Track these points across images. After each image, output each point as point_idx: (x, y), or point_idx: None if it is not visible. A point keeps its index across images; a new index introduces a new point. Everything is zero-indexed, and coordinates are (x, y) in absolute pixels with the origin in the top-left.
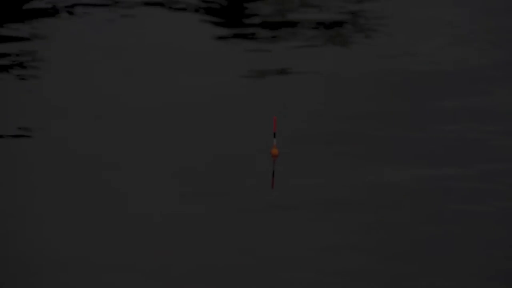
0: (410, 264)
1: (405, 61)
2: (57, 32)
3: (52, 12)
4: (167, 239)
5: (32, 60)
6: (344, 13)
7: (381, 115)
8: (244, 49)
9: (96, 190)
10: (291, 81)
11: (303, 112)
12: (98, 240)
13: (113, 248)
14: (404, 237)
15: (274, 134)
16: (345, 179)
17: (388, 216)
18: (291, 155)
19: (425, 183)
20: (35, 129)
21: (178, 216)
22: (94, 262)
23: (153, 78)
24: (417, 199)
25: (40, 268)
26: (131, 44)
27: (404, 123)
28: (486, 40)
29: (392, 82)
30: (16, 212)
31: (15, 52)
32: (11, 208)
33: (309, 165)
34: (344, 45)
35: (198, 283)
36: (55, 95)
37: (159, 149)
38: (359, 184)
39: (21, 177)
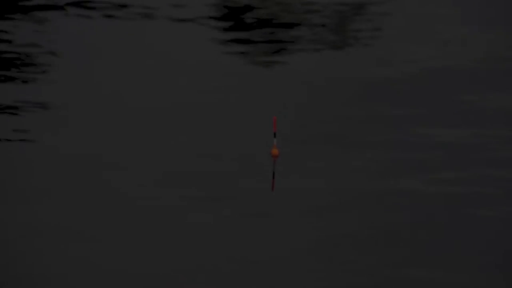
0: (410, 264)
1: (404, 66)
2: (57, 32)
3: (52, 12)
4: (167, 239)
5: (32, 60)
6: (342, 18)
7: (381, 118)
8: (242, 51)
9: (96, 190)
10: (291, 83)
11: (303, 112)
12: (98, 240)
13: (113, 248)
14: (403, 239)
15: (274, 134)
16: (340, 182)
17: (389, 218)
18: (290, 155)
19: (425, 186)
20: (35, 129)
21: (178, 216)
22: (94, 262)
23: (153, 79)
24: (417, 201)
25: (40, 268)
26: (131, 44)
27: (404, 125)
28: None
29: (392, 86)
30: (16, 212)
31: (15, 52)
32: (11, 208)
33: (309, 165)
34: (343, 48)
35: (198, 283)
36: (55, 95)
37: (159, 149)
38: (359, 188)
39: (21, 177)
